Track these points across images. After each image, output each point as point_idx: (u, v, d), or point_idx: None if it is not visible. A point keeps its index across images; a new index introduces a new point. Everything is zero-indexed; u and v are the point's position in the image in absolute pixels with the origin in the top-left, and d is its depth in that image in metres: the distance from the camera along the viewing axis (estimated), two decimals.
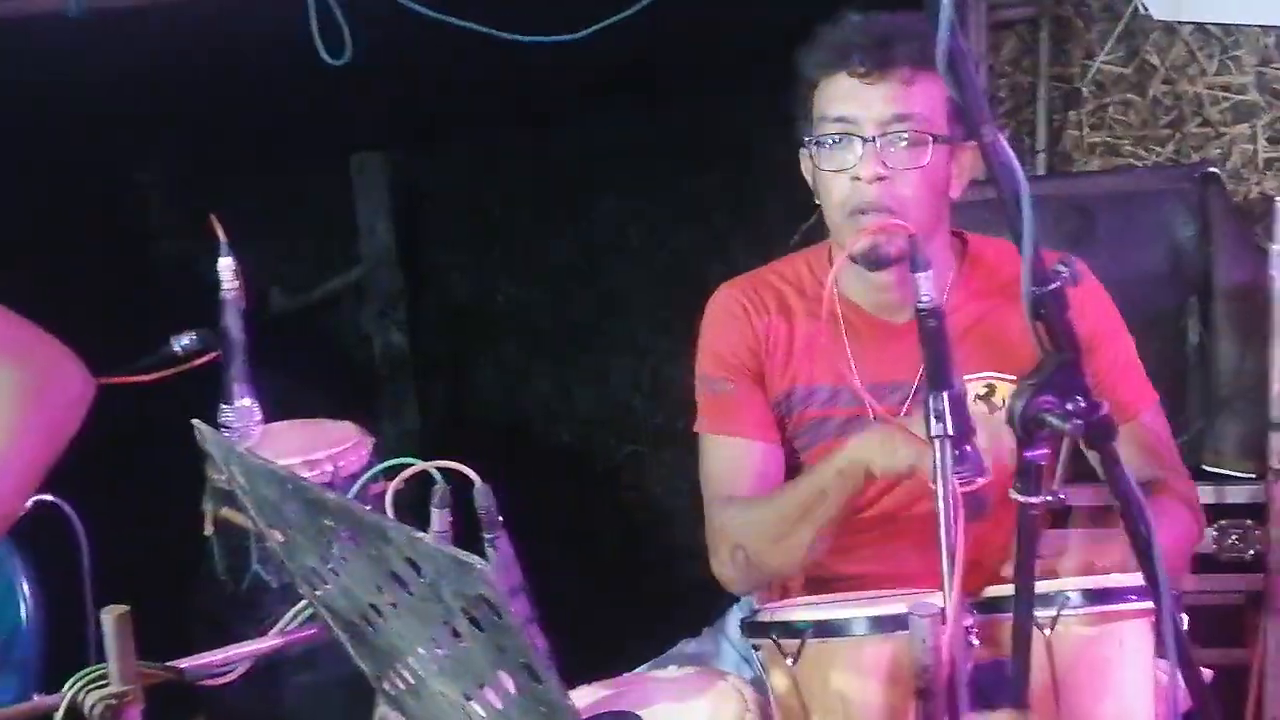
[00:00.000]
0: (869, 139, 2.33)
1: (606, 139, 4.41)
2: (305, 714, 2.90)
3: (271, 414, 2.88)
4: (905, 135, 2.33)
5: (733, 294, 2.58)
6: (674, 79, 4.22)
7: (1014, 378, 2.35)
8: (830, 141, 2.37)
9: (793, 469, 2.53)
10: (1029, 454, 1.65)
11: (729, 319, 2.56)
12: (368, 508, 1.62)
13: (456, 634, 1.57)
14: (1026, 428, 1.64)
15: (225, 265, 2.69)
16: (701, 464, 2.57)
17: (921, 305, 1.84)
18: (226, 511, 2.80)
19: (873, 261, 2.38)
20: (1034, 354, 1.70)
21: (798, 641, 1.87)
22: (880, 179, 2.32)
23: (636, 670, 2.52)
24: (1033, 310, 1.64)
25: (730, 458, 2.52)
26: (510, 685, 1.55)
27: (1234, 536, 3.21)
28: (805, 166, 2.45)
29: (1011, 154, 1.58)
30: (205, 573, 2.94)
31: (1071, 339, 1.66)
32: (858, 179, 2.33)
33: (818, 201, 2.44)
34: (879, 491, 2.42)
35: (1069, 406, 1.64)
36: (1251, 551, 3.20)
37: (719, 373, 2.55)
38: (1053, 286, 1.63)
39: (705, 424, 2.57)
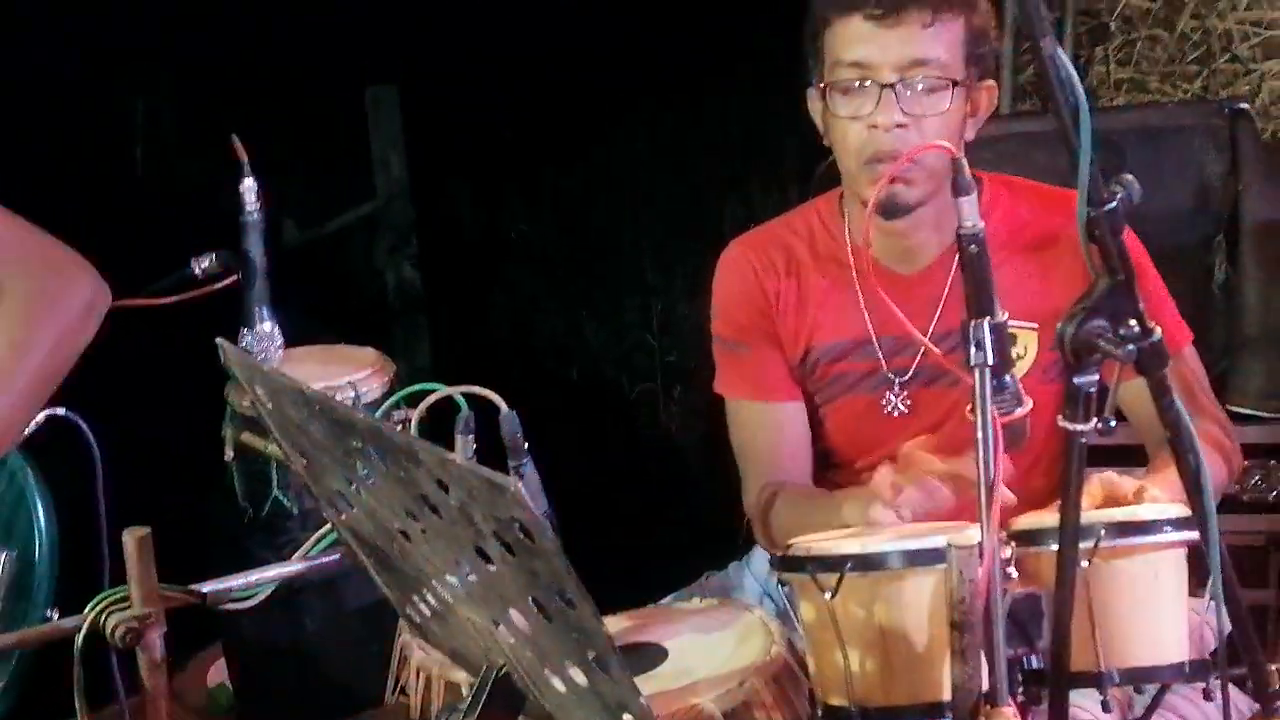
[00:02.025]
0: (887, 85, 2.26)
1: (622, 73, 4.36)
2: (324, 643, 2.88)
3: (288, 344, 2.85)
4: (924, 80, 2.27)
5: (743, 254, 2.54)
6: (689, 10, 4.17)
7: (1032, 325, 2.32)
8: (845, 86, 2.31)
9: (813, 423, 2.53)
10: (1078, 380, 1.61)
11: (739, 281, 2.53)
12: (397, 427, 1.59)
13: (487, 558, 1.54)
14: (1076, 353, 1.60)
15: (247, 187, 2.64)
16: (731, 429, 2.57)
17: (964, 230, 1.79)
18: (247, 436, 2.77)
19: (889, 210, 2.33)
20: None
21: (835, 575, 1.85)
22: (899, 126, 2.26)
23: (660, 602, 2.50)
24: (1087, 232, 1.59)
25: (758, 425, 2.52)
26: (542, 610, 1.52)
27: (1257, 477, 3.18)
28: (814, 108, 2.39)
29: (1071, 67, 1.53)
30: (223, 498, 2.91)
31: (1125, 262, 1.61)
32: (874, 126, 2.27)
33: (826, 143, 2.38)
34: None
35: (1121, 332, 1.60)
36: (1275, 493, 3.17)
37: (733, 334, 2.53)
38: (1109, 207, 1.59)
39: (727, 388, 2.56)
